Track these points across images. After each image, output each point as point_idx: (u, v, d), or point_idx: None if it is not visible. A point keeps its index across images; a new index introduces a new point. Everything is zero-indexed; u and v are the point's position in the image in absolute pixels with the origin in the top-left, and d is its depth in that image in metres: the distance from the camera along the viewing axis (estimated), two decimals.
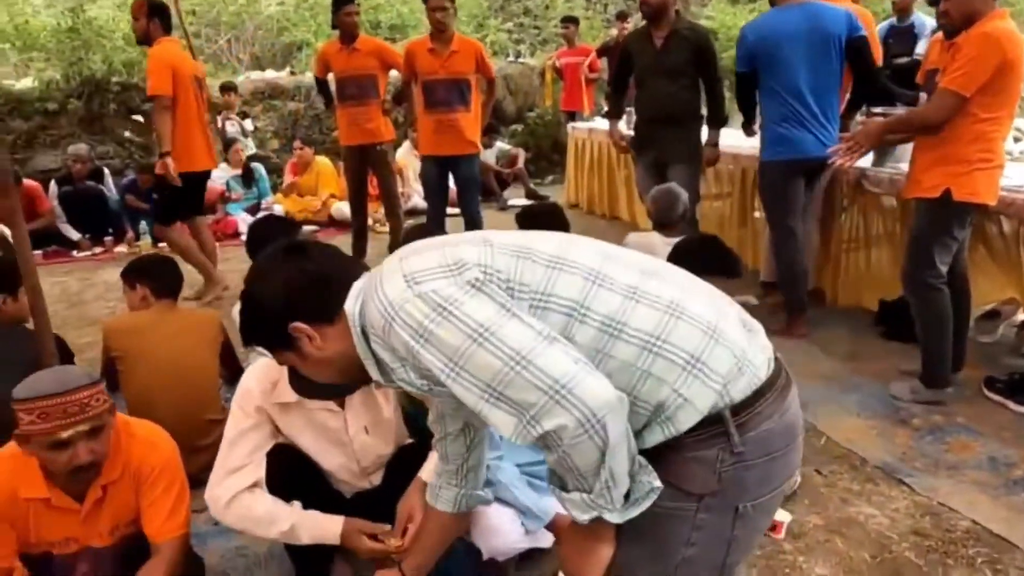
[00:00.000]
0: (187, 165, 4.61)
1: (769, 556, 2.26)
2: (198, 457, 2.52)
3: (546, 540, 2.27)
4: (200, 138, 4.74)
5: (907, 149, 3.67)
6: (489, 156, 8.09)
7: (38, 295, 2.52)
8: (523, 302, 1.11)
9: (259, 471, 2.00)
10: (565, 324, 1.10)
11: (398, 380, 1.20)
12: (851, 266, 4.29)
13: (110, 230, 6.82)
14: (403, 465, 2.12)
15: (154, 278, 2.94)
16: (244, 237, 6.60)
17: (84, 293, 5.58)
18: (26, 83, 8.10)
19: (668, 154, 4.25)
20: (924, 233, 3.00)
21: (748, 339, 1.17)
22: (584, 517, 1.12)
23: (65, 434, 1.70)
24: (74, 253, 6.58)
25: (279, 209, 7.35)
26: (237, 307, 1.68)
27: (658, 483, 1.11)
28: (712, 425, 1.10)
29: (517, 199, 7.92)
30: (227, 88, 7.86)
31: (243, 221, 7.03)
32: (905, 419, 3.05)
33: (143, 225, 6.54)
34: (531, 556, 2.28)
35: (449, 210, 7.12)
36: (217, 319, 3.02)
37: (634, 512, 1.12)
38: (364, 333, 1.22)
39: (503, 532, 2.15)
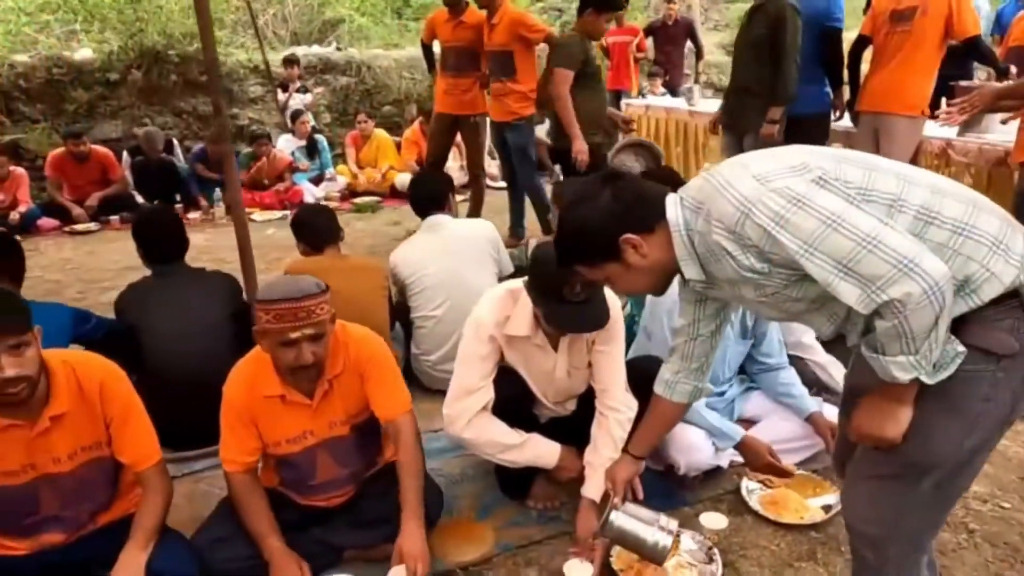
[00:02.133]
0: None
1: None
2: None
3: (725, 460, 2.51)
4: None
5: (993, 119, 3.92)
6: (540, 131, 8.27)
7: (246, 240, 2.74)
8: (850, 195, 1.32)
9: (490, 393, 2.23)
10: (887, 213, 1.31)
11: (730, 267, 1.38)
12: None
13: (177, 197, 6.99)
14: (589, 400, 2.36)
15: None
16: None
17: None
18: (84, 53, 8.19)
19: (744, 125, 4.45)
20: None
21: None
22: (905, 377, 1.30)
23: (293, 335, 1.91)
24: None
25: (342, 180, 7.53)
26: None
27: (962, 348, 1.31)
28: (1010, 298, 1.31)
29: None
30: (290, 61, 8.00)
31: (307, 191, 7.22)
32: None
33: (217, 192, 6.71)
34: (713, 473, 2.52)
35: (500, 184, 7.40)
36: (383, 267, 3.23)
37: (943, 375, 1.31)
38: (688, 236, 1.44)
39: (698, 448, 2.39)
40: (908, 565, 1.53)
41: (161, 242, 2.89)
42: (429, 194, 3.43)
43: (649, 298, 2.69)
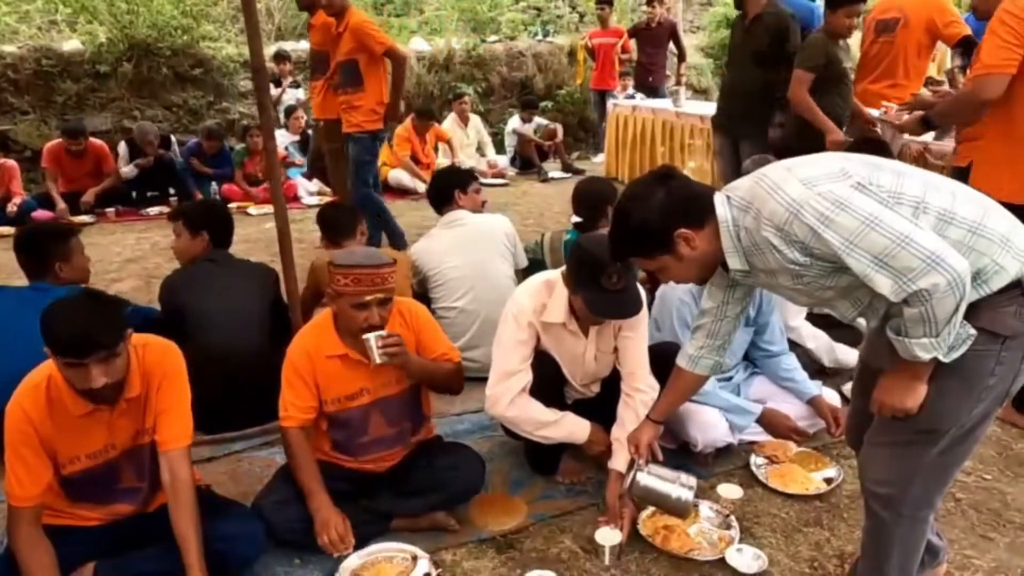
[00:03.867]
0: None
1: None
2: None
3: (735, 438, 2.73)
4: None
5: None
6: (528, 130, 8.47)
7: (285, 238, 2.88)
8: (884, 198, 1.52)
9: (529, 375, 2.42)
10: (913, 213, 1.51)
11: (774, 259, 1.57)
12: None
13: (171, 191, 7.04)
14: (614, 384, 2.56)
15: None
16: (304, 201, 7.01)
17: None
18: (73, 44, 8.17)
19: (742, 130, 4.67)
20: None
21: None
22: (926, 356, 1.50)
23: (368, 297, 2.16)
24: (148, 211, 6.80)
25: None
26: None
27: (973, 331, 1.52)
28: (1014, 288, 1.53)
29: (555, 172, 8.31)
30: (282, 57, 8.07)
31: (301, 185, 7.31)
32: None
33: (213, 186, 6.78)
34: (724, 451, 2.74)
35: (490, 180, 7.56)
36: (406, 259, 3.42)
37: (956, 354, 1.52)
38: (735, 231, 1.64)
39: (713, 426, 2.61)
40: (920, 519, 1.75)
41: (227, 227, 3.11)
42: (436, 193, 3.64)
43: (660, 291, 2.90)
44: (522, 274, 3.44)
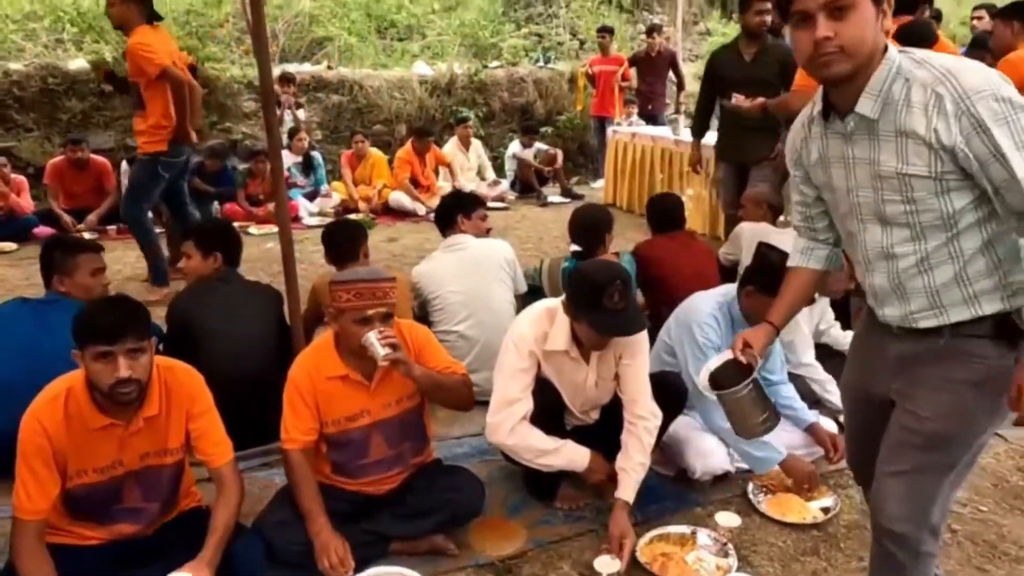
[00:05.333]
0: None
1: None
2: None
3: (733, 466, 2.75)
4: None
5: None
6: (528, 155, 8.55)
7: (289, 259, 2.92)
8: None
9: (530, 403, 2.44)
10: None
11: (920, 123, 1.44)
12: None
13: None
14: (614, 410, 2.58)
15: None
16: (305, 222, 7.05)
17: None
18: (79, 63, 8.25)
19: (751, 156, 4.74)
20: None
21: None
22: None
23: (370, 312, 2.18)
24: None
25: (336, 197, 7.70)
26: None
27: None
28: None
29: (554, 196, 8.38)
30: (286, 79, 8.16)
31: (302, 206, 7.36)
32: None
33: (215, 206, 6.82)
34: (721, 477, 2.76)
35: (494, 204, 7.61)
36: (406, 280, 3.43)
37: None
38: (894, 75, 1.48)
39: (712, 453, 2.64)
40: (933, 555, 1.72)
41: (238, 248, 3.18)
42: (440, 216, 3.69)
43: (679, 314, 2.86)
44: (521, 299, 3.48)
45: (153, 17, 4.76)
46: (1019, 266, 1.54)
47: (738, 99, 4.40)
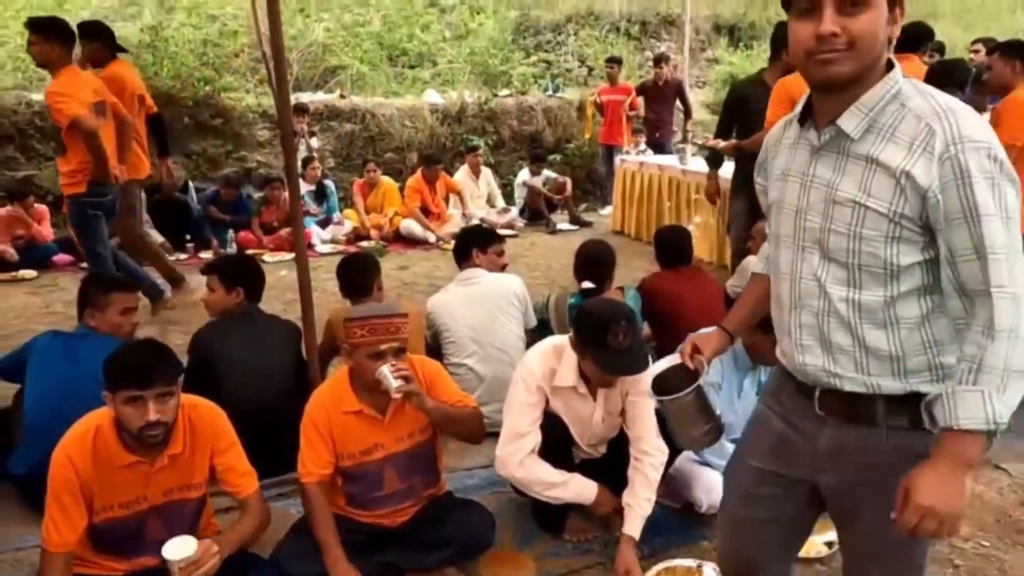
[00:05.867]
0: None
1: None
2: None
3: None
4: None
5: None
6: (537, 182, 8.67)
7: (306, 290, 3.01)
8: None
9: (538, 437, 2.52)
10: None
11: (895, 157, 1.29)
12: None
13: (187, 237, 7.22)
14: (621, 444, 2.66)
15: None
16: (317, 250, 7.16)
17: (194, 293, 5.96)
18: None
19: None
20: None
21: None
22: (980, 423, 1.22)
23: (383, 347, 2.26)
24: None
25: (348, 224, 7.82)
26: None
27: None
28: None
29: (563, 223, 8.48)
30: (300, 110, 8.32)
31: (315, 234, 7.48)
32: None
33: (230, 234, 6.96)
34: None
35: (503, 231, 7.70)
36: (420, 312, 3.53)
37: (1003, 427, 1.25)
38: (888, 97, 1.33)
39: (718, 487, 2.65)
40: None
41: (260, 283, 3.28)
42: (456, 249, 3.79)
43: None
44: (531, 333, 3.56)
45: (116, 50, 5.08)
46: (952, 347, 1.36)
47: (708, 139, 4.32)
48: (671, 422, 1.85)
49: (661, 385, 1.80)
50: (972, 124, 1.28)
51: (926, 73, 4.18)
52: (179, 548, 1.92)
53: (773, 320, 1.60)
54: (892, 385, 1.40)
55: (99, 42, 5.00)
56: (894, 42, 1.37)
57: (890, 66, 1.36)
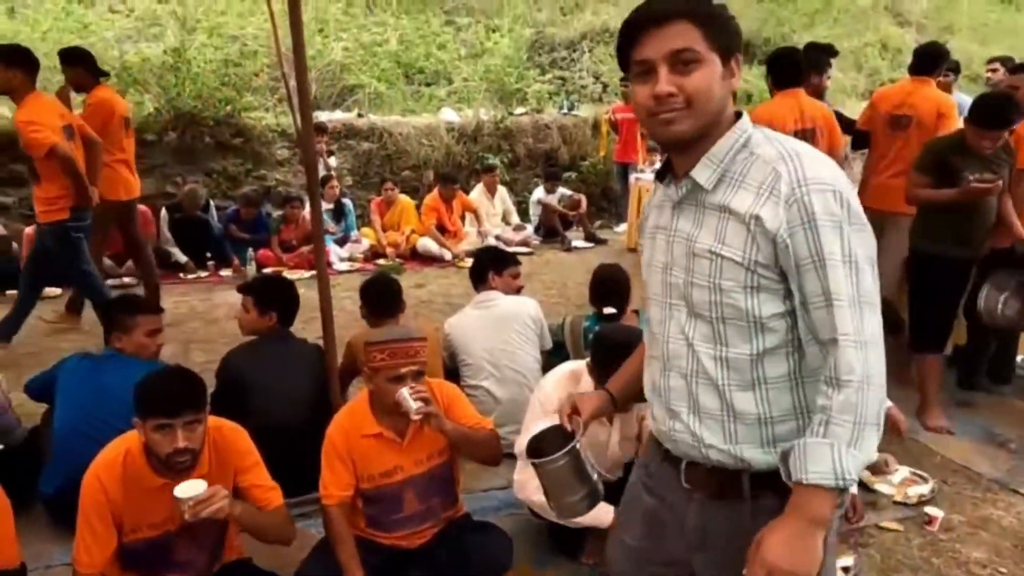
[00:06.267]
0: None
1: (931, 543, 2.82)
2: None
3: None
4: None
5: None
6: (552, 200, 8.74)
7: (328, 313, 3.08)
8: None
9: None
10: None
11: (743, 204, 1.30)
12: None
13: (208, 255, 7.33)
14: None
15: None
16: (335, 268, 7.24)
17: (211, 312, 6.06)
18: None
19: None
20: None
21: None
22: (829, 479, 1.19)
23: (403, 370, 2.31)
24: (184, 276, 7.07)
25: (366, 242, 7.91)
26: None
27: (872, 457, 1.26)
28: None
29: (578, 241, 8.53)
30: (320, 129, 8.44)
31: (333, 252, 7.57)
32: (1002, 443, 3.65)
33: (250, 252, 7.06)
34: None
35: (519, 248, 7.74)
36: (438, 333, 3.57)
37: (852, 484, 1.23)
38: (738, 146, 1.34)
39: None
40: None
41: (294, 308, 3.35)
42: (473, 271, 3.85)
43: None
44: (546, 355, 3.60)
45: (99, 74, 5.13)
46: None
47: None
48: (544, 488, 1.69)
49: (537, 447, 1.68)
50: (818, 166, 1.28)
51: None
52: (189, 488, 1.98)
53: (645, 384, 1.55)
54: (759, 458, 1.37)
55: (82, 67, 5.05)
56: (736, 93, 1.37)
57: (738, 116, 1.38)
